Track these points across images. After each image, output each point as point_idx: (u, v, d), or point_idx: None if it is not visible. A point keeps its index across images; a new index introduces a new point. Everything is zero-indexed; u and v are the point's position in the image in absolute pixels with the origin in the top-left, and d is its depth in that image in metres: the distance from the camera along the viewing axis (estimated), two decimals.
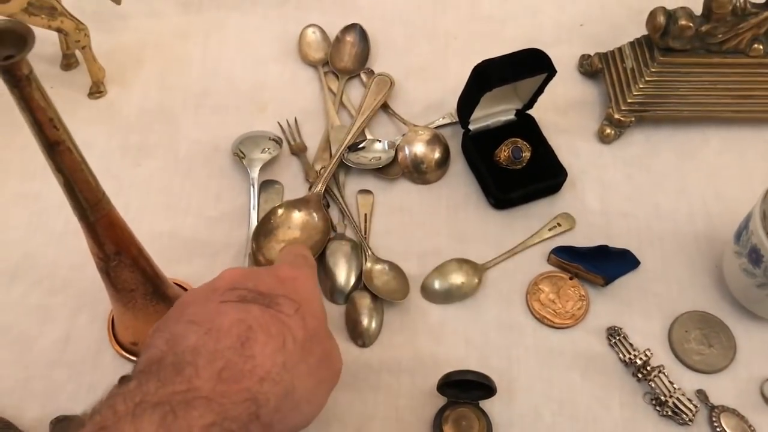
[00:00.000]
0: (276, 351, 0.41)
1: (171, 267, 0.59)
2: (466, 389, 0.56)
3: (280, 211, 0.64)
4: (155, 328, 0.44)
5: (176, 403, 0.36)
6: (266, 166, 0.68)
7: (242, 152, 0.67)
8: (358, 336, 0.60)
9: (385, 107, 0.72)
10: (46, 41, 0.73)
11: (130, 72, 0.75)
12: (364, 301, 0.61)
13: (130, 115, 0.73)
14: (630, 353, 0.60)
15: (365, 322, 0.60)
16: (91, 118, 0.72)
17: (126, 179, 0.68)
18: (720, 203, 0.68)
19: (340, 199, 0.66)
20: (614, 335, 0.61)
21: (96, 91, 0.72)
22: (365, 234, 0.64)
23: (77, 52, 0.73)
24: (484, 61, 0.63)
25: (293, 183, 0.68)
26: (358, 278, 0.62)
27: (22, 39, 0.34)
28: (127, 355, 0.58)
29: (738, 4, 0.66)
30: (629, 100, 0.70)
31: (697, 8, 0.68)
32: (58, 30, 0.66)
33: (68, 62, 0.74)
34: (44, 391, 0.57)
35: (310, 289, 0.48)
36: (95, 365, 0.58)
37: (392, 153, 0.68)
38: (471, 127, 0.69)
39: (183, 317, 0.43)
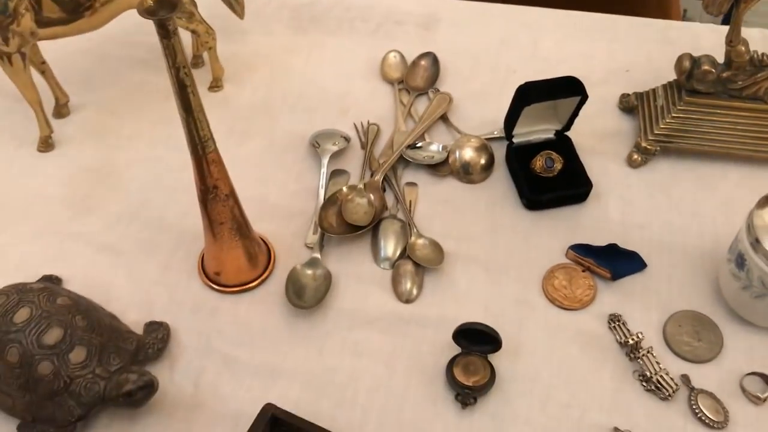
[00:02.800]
0: None
1: (256, 224, 0.74)
2: (477, 343, 0.67)
3: (344, 189, 0.78)
4: None
5: None
6: (337, 157, 0.83)
7: (318, 143, 0.83)
8: (401, 295, 0.72)
9: (445, 119, 0.86)
10: None
11: (243, 75, 0.92)
12: (407, 268, 0.74)
13: (239, 108, 0.89)
14: (626, 336, 0.69)
15: (408, 284, 0.73)
16: (208, 108, 0.86)
17: (229, 156, 0.83)
18: (728, 228, 0.77)
19: (396, 187, 0.80)
20: (614, 321, 0.71)
21: (215, 85, 0.90)
22: (412, 215, 0.77)
23: (204, 55, 0.91)
24: (526, 83, 0.76)
25: (359, 173, 0.82)
26: (403, 251, 0.75)
27: (173, 5, 0.50)
28: (210, 283, 0.73)
29: (755, 55, 0.77)
30: (656, 132, 0.81)
31: (722, 57, 0.79)
32: (193, 31, 0.84)
33: (196, 62, 0.92)
34: (144, 301, 0.72)
35: None
36: (185, 288, 0.73)
37: (445, 154, 0.82)
38: (514, 140, 0.81)
39: None
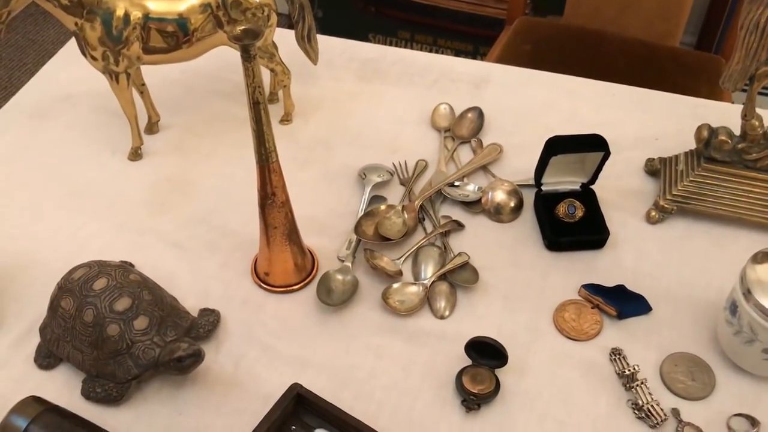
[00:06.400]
0: None
1: (307, 237, 0.85)
2: (486, 357, 0.75)
3: (383, 207, 0.88)
4: None
5: None
6: (379, 188, 0.93)
7: (365, 174, 0.94)
8: (436, 311, 0.81)
9: (483, 166, 0.96)
10: None
11: (310, 112, 1.05)
12: (443, 288, 0.83)
13: (303, 140, 1.02)
14: (624, 367, 0.76)
15: (443, 303, 0.82)
16: (278, 137, 0.99)
17: (290, 178, 0.94)
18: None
19: (434, 218, 0.90)
20: (615, 354, 0.78)
21: (285, 119, 1.03)
22: (448, 242, 0.87)
23: (279, 93, 1.04)
24: (555, 136, 0.86)
25: (398, 202, 0.92)
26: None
27: (256, 34, 0.62)
28: (259, 282, 0.83)
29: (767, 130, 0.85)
30: (674, 192, 0.89)
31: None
32: (272, 70, 0.97)
33: (271, 98, 1.05)
34: (201, 291, 0.83)
35: None
36: (238, 284, 0.84)
37: (479, 194, 0.91)
38: (543, 188, 0.90)
39: None
